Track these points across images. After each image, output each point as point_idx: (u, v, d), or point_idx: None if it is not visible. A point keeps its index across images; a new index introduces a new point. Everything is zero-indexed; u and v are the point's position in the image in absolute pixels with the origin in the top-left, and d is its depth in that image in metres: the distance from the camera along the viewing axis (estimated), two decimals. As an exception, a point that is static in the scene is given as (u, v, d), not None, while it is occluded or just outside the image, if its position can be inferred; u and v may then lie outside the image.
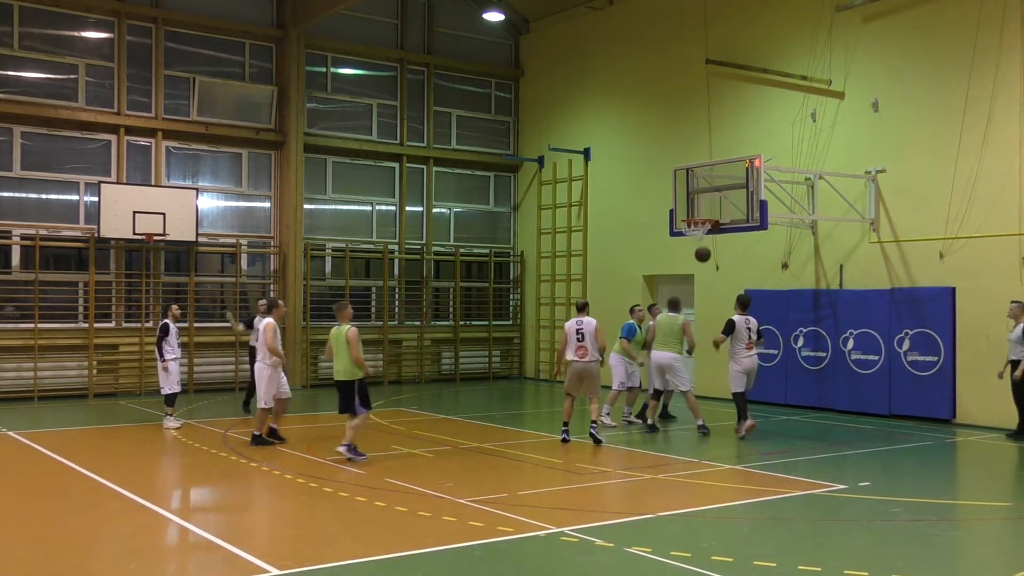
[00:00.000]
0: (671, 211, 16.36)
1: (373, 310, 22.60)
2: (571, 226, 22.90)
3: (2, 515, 9.11)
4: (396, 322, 22.65)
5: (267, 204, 21.25)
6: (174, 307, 14.92)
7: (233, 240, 20.69)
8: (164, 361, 14.40)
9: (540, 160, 23.64)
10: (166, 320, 14.61)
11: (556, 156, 23.04)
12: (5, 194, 18.55)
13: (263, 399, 12.72)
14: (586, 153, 22.44)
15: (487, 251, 24.23)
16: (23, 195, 18.69)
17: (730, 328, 13.73)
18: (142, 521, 8.87)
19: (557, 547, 7.81)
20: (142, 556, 7.77)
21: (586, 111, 22.61)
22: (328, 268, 22.17)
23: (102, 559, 7.72)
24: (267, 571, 7.02)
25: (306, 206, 21.33)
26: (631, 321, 15.12)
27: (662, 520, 8.82)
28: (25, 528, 8.58)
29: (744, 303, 14.13)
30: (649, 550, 7.60)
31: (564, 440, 13.11)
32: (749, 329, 13.77)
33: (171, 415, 14.62)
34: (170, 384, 14.47)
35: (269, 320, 12.79)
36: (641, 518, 8.92)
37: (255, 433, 12.77)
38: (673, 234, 16.44)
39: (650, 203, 19.89)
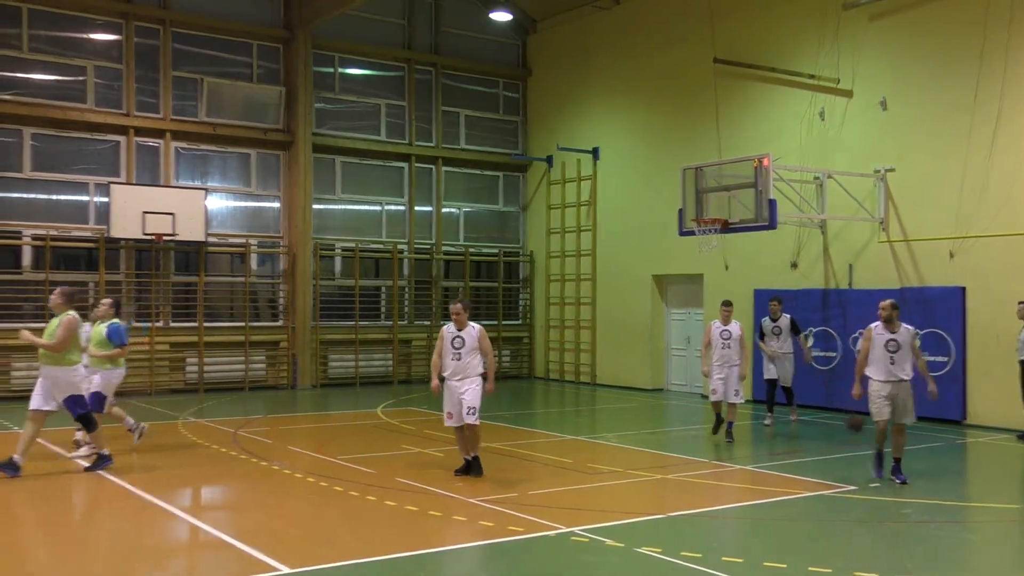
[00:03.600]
0: (680, 210, 16.34)
1: (383, 310, 22.63)
2: (580, 226, 22.90)
3: (6, 515, 9.14)
4: (406, 322, 22.68)
5: (276, 204, 21.30)
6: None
7: (242, 240, 20.74)
8: None
9: (549, 160, 23.64)
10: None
11: (565, 156, 23.04)
12: (15, 195, 18.64)
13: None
14: (594, 152, 22.43)
15: (496, 251, 24.24)
16: (33, 196, 18.78)
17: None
18: (152, 519, 8.90)
19: (567, 547, 7.81)
20: (152, 554, 7.80)
21: (594, 110, 22.60)
22: (338, 268, 22.20)
23: (110, 557, 7.73)
24: (278, 569, 7.04)
25: (315, 206, 21.37)
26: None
27: (672, 520, 8.82)
28: (29, 528, 8.61)
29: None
30: (659, 550, 7.60)
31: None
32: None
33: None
34: None
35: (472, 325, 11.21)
36: (651, 518, 8.92)
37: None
38: (682, 233, 16.44)
39: (659, 202, 19.88)
